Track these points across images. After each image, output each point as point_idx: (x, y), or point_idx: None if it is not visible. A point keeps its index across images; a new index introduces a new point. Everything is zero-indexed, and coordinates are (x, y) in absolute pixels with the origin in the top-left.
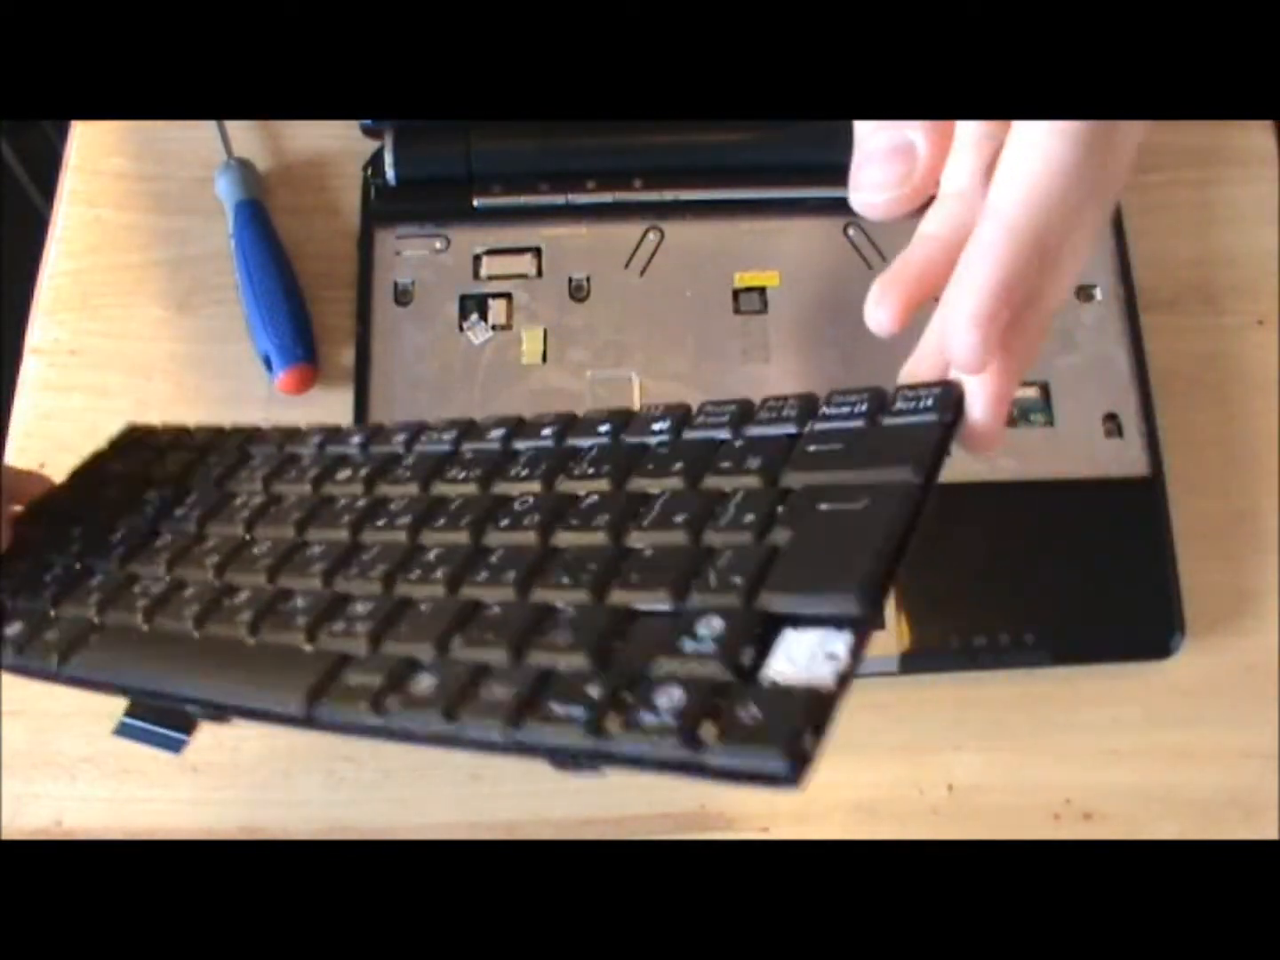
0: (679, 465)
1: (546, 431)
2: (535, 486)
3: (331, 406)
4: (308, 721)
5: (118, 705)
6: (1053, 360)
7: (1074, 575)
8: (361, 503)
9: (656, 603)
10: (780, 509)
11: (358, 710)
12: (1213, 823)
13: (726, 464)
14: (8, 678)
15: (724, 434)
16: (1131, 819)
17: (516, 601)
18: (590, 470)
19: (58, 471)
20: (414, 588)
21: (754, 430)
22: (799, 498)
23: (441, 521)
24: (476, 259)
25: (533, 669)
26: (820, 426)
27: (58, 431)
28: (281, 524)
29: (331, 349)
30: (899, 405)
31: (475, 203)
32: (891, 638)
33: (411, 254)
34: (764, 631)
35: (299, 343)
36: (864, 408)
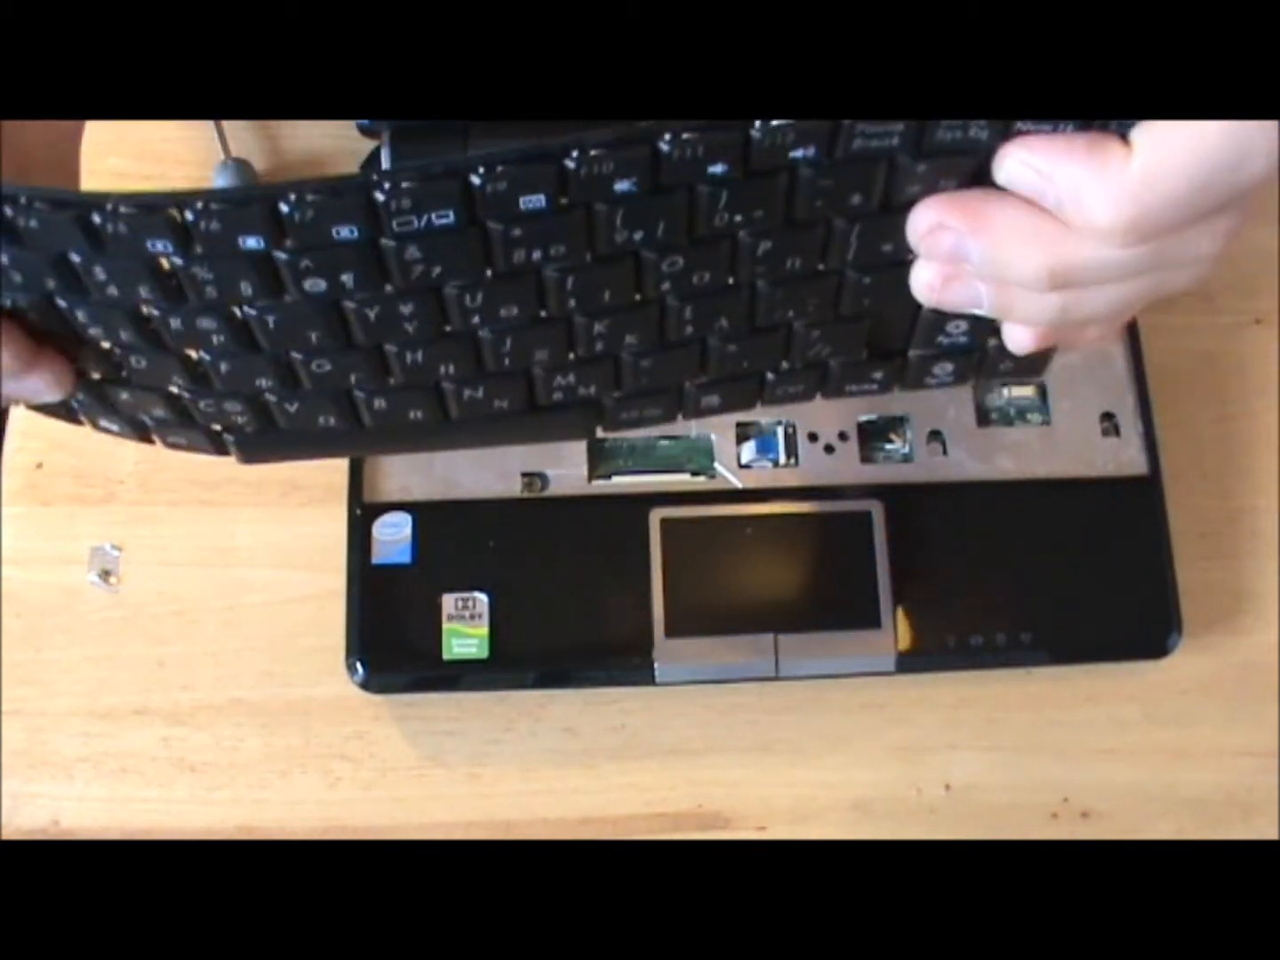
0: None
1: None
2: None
3: None
4: None
5: (115, 706)
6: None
7: (1071, 575)
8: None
9: None
10: None
11: None
12: (1210, 822)
13: None
14: (6, 677)
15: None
16: (1129, 818)
17: None
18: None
19: (56, 471)
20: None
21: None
22: None
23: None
24: None
25: None
26: None
27: (54, 431)
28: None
29: None
30: None
31: None
32: (888, 637)
33: None
34: None
35: None
36: None
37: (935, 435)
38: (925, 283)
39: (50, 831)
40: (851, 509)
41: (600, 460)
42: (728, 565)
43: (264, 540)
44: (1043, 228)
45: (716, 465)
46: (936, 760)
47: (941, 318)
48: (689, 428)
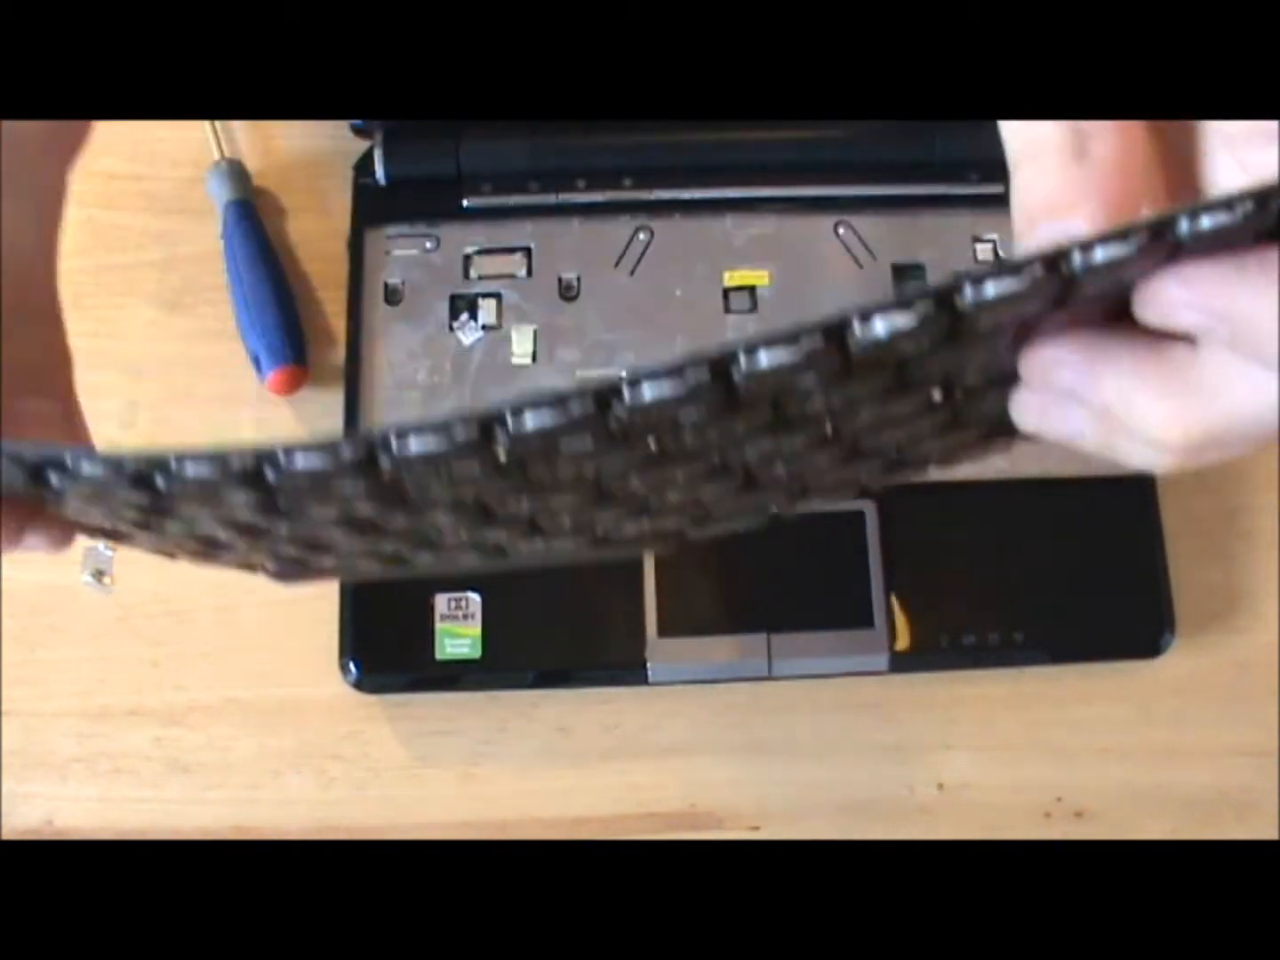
0: None
1: None
2: None
3: (322, 407)
4: None
5: (109, 706)
6: None
7: (1065, 574)
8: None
9: None
10: None
11: None
12: (1204, 821)
13: None
14: (5, 677)
15: None
16: (1123, 817)
17: None
18: None
19: None
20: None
21: None
22: None
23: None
24: (467, 259)
25: None
26: None
27: None
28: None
29: (322, 349)
30: None
31: (465, 202)
32: (881, 637)
33: (401, 254)
34: None
35: (288, 343)
36: None
37: None
38: (1027, 410)
39: (44, 831)
40: (845, 508)
41: None
42: (721, 564)
43: None
44: (1183, 378)
45: None
46: (929, 760)
47: None
48: None
